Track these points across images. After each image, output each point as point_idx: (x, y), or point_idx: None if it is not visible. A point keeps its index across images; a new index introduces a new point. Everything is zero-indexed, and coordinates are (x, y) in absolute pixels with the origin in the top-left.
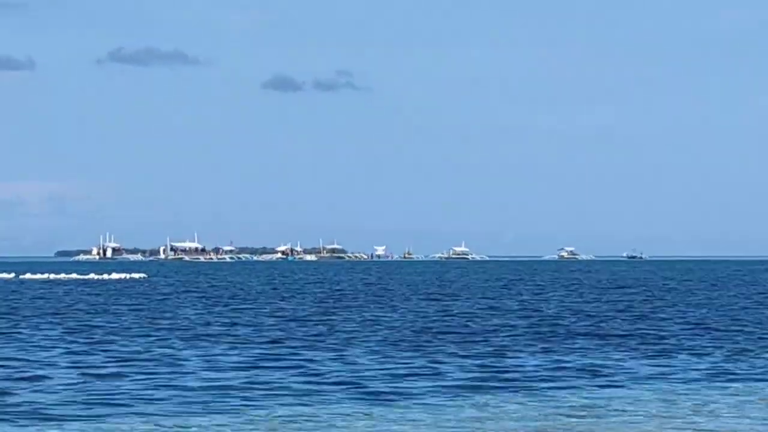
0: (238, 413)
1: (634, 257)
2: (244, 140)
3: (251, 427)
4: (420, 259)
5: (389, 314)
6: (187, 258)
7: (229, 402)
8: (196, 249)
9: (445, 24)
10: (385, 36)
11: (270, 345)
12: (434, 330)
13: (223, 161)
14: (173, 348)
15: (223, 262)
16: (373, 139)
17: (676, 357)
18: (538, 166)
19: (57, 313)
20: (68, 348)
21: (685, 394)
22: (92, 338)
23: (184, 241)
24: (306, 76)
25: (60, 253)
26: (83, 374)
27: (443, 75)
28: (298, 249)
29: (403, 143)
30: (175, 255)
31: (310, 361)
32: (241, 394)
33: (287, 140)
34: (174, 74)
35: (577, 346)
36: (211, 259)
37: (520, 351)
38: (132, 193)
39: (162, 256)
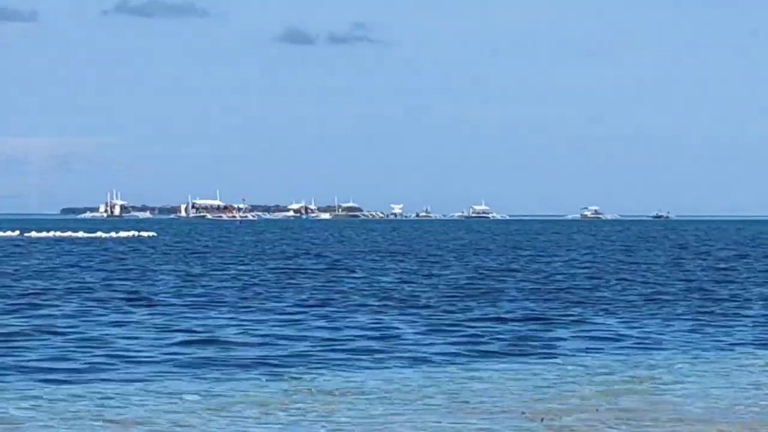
0: None
1: (660, 217)
2: (256, 95)
3: None
4: (438, 218)
5: None
6: (209, 216)
7: None
8: (218, 207)
9: None
10: None
11: None
12: None
13: (234, 116)
14: None
15: (245, 220)
16: (390, 94)
17: None
18: (563, 123)
19: None
20: None
21: None
22: None
23: (196, 199)
24: (319, 28)
25: (65, 211)
26: None
27: (464, 28)
28: (312, 207)
29: (422, 99)
30: (197, 213)
31: None
32: None
33: (301, 95)
34: (182, 26)
35: None
36: (234, 217)
37: None
38: (140, 150)
39: (183, 214)
